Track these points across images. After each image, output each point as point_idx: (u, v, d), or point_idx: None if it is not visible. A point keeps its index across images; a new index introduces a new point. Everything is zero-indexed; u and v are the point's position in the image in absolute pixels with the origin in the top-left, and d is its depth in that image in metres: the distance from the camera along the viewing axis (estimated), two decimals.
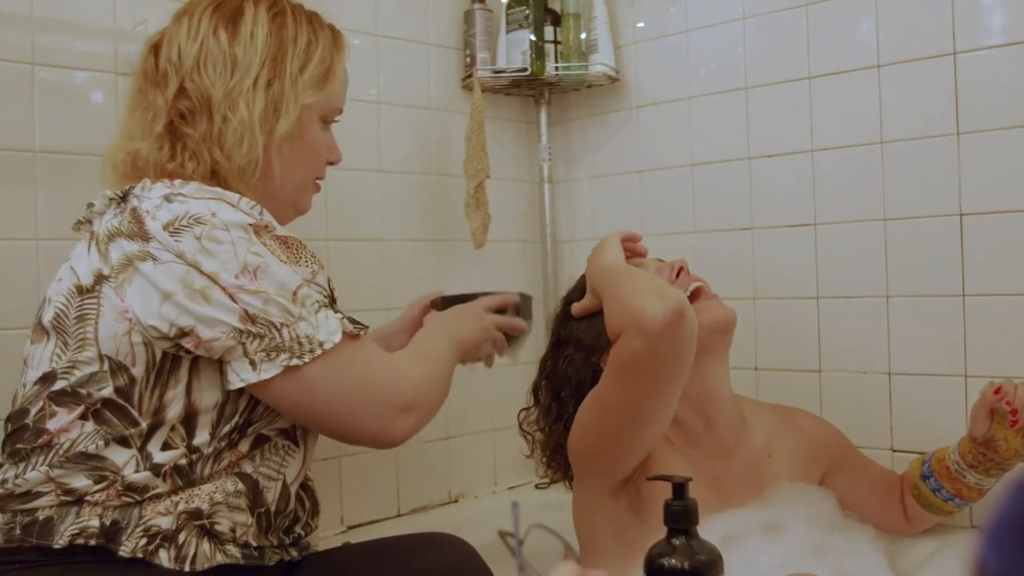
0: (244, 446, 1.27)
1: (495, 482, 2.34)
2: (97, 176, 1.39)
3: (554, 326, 1.75)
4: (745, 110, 2.12)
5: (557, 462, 1.71)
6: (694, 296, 1.61)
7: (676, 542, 1.14)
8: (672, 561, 1.13)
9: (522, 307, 1.72)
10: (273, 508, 1.30)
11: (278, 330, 1.19)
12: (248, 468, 1.28)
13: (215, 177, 1.32)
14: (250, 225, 1.22)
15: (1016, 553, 0.26)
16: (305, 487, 1.40)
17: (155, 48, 1.38)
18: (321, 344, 1.22)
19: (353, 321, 1.27)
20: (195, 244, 1.18)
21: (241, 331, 1.18)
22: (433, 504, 2.19)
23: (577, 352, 1.67)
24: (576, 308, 1.65)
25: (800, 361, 2.05)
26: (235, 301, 1.18)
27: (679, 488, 1.16)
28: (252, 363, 1.20)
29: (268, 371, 1.20)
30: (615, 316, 1.43)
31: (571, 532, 1.66)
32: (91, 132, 1.67)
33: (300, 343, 1.20)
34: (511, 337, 1.68)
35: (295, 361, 1.20)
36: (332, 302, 1.30)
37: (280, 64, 1.35)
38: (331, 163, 1.49)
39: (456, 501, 2.23)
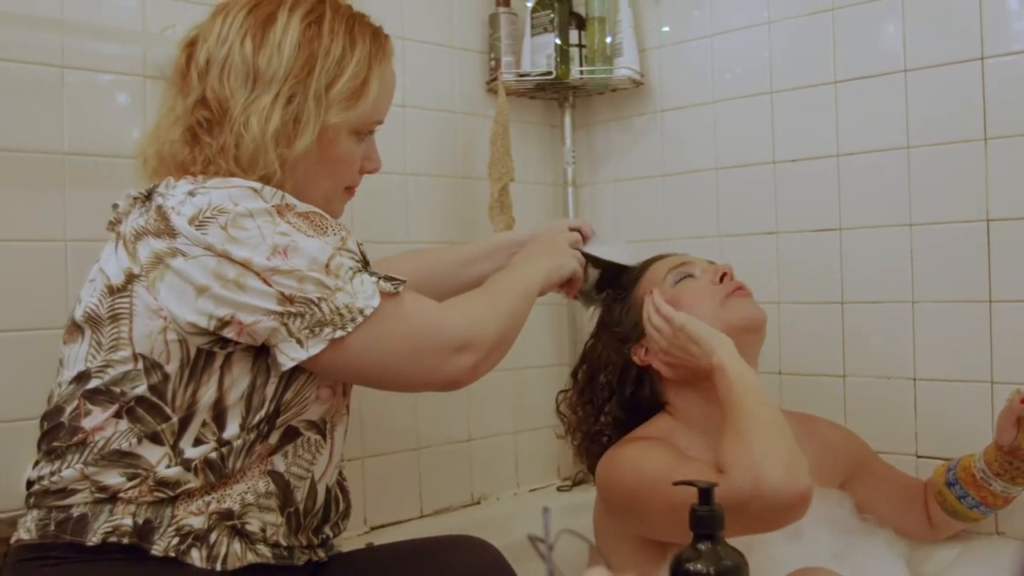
0: (274, 439, 1.28)
1: (517, 484, 2.34)
2: (124, 177, 1.40)
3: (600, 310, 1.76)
4: (770, 114, 2.12)
5: (585, 447, 1.72)
6: (734, 292, 1.62)
7: (702, 547, 1.14)
8: (698, 566, 1.12)
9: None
10: (302, 507, 1.31)
11: (317, 305, 1.20)
12: (280, 466, 1.28)
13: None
14: (273, 207, 1.22)
15: None
16: (341, 487, 1.41)
17: (189, 46, 1.37)
18: (361, 311, 1.22)
19: (389, 278, 1.26)
20: (222, 234, 1.18)
21: (281, 313, 1.19)
22: (456, 506, 2.20)
23: (612, 339, 1.68)
24: (653, 344, 1.62)
25: (825, 366, 2.04)
26: (270, 284, 1.18)
27: (705, 493, 1.16)
28: (299, 341, 1.20)
29: (315, 347, 1.20)
30: (734, 454, 1.38)
31: (590, 536, 1.67)
32: (119, 135, 1.68)
33: (341, 314, 1.21)
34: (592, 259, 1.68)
35: (339, 333, 1.21)
36: (366, 264, 1.29)
37: (305, 79, 1.30)
38: (368, 172, 1.46)
39: (479, 503, 2.24)
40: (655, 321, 1.59)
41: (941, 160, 1.87)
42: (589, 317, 1.82)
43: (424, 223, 2.17)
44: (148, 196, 1.28)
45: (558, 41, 2.23)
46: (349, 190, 1.45)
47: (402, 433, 2.10)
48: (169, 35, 1.72)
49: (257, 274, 1.18)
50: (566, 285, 1.63)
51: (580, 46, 2.28)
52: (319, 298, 1.20)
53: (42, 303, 1.60)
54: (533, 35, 2.26)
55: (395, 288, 1.26)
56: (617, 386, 1.68)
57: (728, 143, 2.20)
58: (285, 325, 1.20)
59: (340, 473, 1.41)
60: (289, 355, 1.21)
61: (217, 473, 1.24)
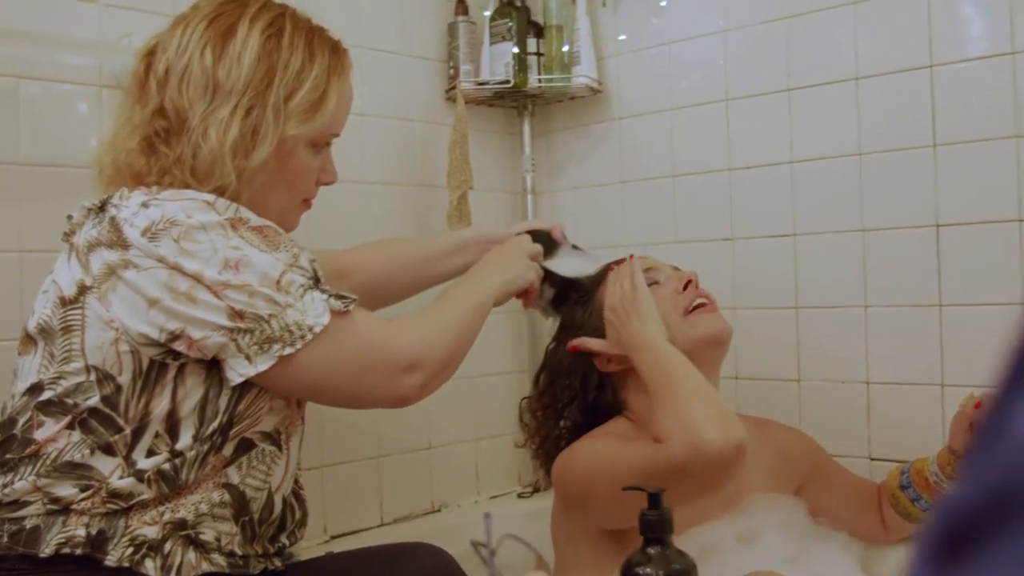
0: (228, 450, 1.28)
1: (478, 491, 2.35)
2: (81, 188, 1.40)
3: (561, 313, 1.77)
4: (726, 122, 2.14)
5: (544, 451, 1.73)
6: (696, 309, 1.63)
7: (651, 551, 1.16)
8: (647, 570, 1.15)
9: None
10: (257, 517, 1.32)
11: (267, 322, 1.20)
12: (235, 478, 1.29)
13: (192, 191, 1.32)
14: (226, 220, 1.22)
15: (943, 564, 0.28)
16: (297, 496, 1.42)
17: (148, 55, 1.36)
18: (311, 328, 1.22)
19: (340, 296, 1.27)
20: (174, 247, 1.19)
21: (230, 328, 1.19)
22: (416, 514, 2.21)
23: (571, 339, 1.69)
24: (583, 343, 1.65)
25: (780, 371, 2.07)
26: (220, 299, 1.19)
27: (654, 498, 1.18)
28: (247, 357, 1.21)
29: (264, 363, 1.21)
30: (668, 422, 1.41)
31: (550, 541, 1.68)
32: (76, 145, 1.68)
33: (290, 331, 1.21)
34: (550, 274, 1.67)
35: (288, 350, 1.21)
36: (317, 282, 1.29)
37: (264, 91, 1.31)
38: (324, 183, 1.46)
39: (439, 511, 2.24)
40: (624, 283, 1.61)
41: (892, 166, 1.90)
42: (550, 325, 1.83)
43: (383, 231, 2.17)
44: (102, 207, 1.28)
45: (516, 50, 2.25)
46: (306, 202, 1.46)
47: (362, 442, 2.11)
48: (126, 44, 1.72)
49: (208, 287, 1.19)
50: (523, 295, 1.63)
51: (538, 54, 2.30)
52: (269, 314, 1.20)
53: None
54: (492, 44, 2.28)
55: (345, 306, 1.27)
56: (579, 390, 1.69)
57: (685, 150, 2.22)
58: (234, 341, 1.20)
59: (296, 482, 1.41)
60: (238, 371, 1.22)
61: (171, 484, 1.24)
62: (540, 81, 2.29)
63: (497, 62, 2.27)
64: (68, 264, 1.27)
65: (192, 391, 1.24)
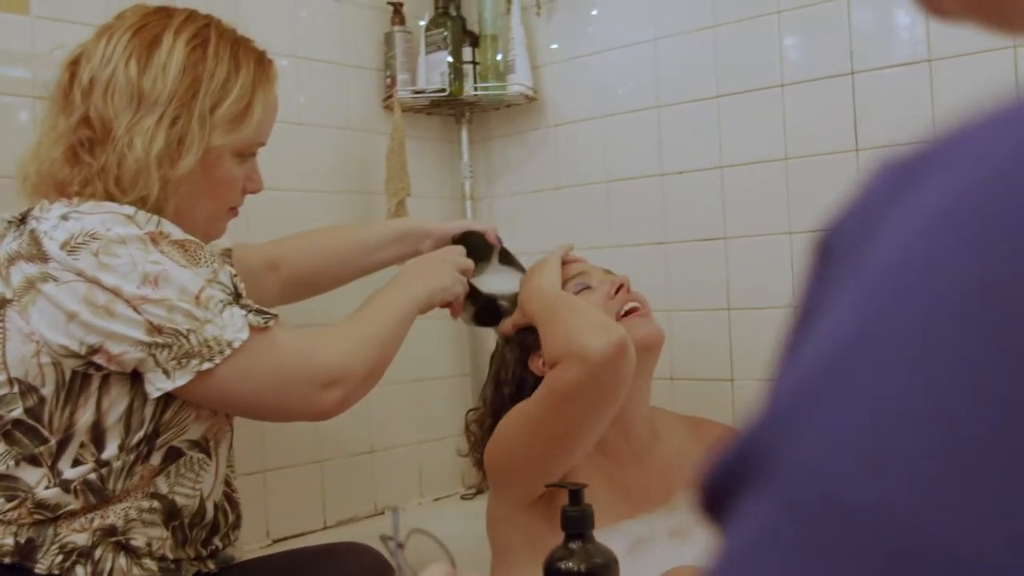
0: (156, 459, 1.30)
1: (421, 494, 2.38)
2: (11, 198, 1.41)
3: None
4: (657, 128, 2.19)
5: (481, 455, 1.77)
6: (628, 314, 1.67)
7: (573, 546, 1.19)
8: (569, 564, 1.18)
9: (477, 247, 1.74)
10: (188, 521, 1.33)
11: (185, 337, 1.22)
12: (163, 487, 1.30)
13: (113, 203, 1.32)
14: (146, 234, 1.24)
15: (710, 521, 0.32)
16: (229, 498, 1.43)
17: (73, 64, 1.37)
18: (230, 344, 1.24)
19: (260, 312, 1.29)
20: (93, 260, 1.20)
21: (149, 343, 1.21)
22: (360, 516, 2.23)
23: (513, 348, 1.72)
24: (506, 326, 1.70)
25: (713, 371, 2.11)
26: (139, 313, 1.20)
27: (575, 494, 1.22)
28: (165, 372, 1.23)
29: (182, 378, 1.23)
30: (555, 344, 1.49)
31: (472, 538, 1.71)
32: (10, 156, 1.68)
33: (209, 346, 1.23)
34: (474, 291, 1.69)
35: (206, 365, 1.23)
36: (237, 297, 1.30)
37: (190, 102, 1.32)
38: (250, 192, 1.48)
39: (382, 513, 2.27)
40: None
41: (817, 170, 1.95)
42: (493, 331, 1.86)
43: None
44: (23, 220, 1.29)
45: (451, 59, 2.28)
46: (232, 210, 1.47)
47: (304, 446, 2.13)
48: (58, 56, 1.72)
49: (127, 302, 1.20)
50: (448, 305, 1.64)
51: (474, 63, 2.33)
52: (188, 329, 1.22)
53: None
54: (428, 53, 2.31)
55: (265, 322, 1.28)
56: (516, 395, 1.73)
57: (618, 156, 2.27)
58: (152, 356, 1.22)
59: (229, 485, 1.43)
60: (156, 385, 1.23)
61: (97, 495, 1.25)
62: (476, 89, 2.32)
63: (433, 71, 2.30)
64: None
65: (117, 401, 1.26)
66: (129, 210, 1.26)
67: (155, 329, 1.21)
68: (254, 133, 1.41)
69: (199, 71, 1.34)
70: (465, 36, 2.33)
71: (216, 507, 1.39)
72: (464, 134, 2.47)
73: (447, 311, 1.65)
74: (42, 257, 1.22)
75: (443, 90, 2.28)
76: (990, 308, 0.25)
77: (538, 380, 1.70)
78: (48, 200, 1.30)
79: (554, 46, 2.37)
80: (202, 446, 1.35)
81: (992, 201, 0.26)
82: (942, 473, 0.24)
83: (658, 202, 2.19)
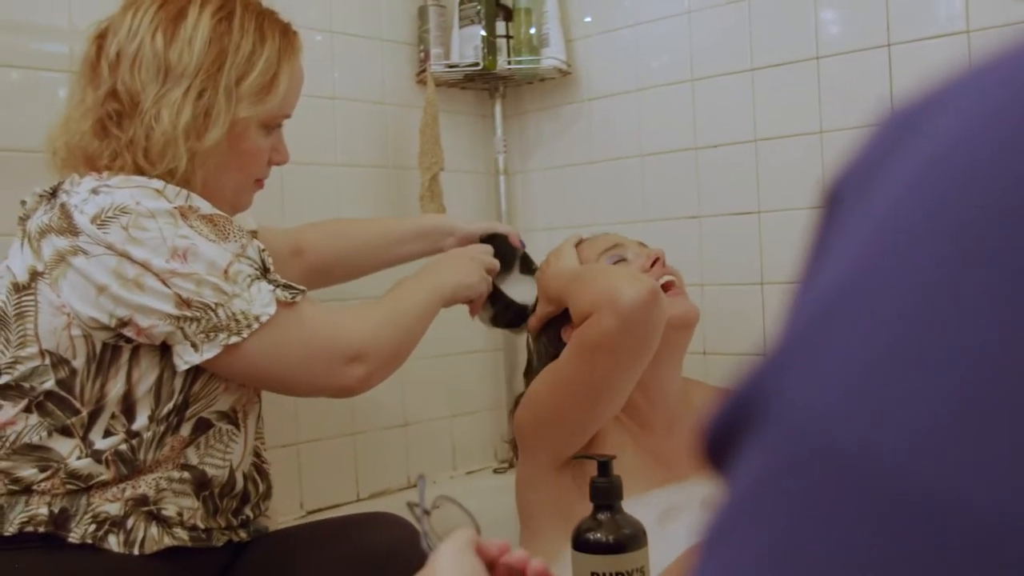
0: (185, 430, 1.31)
1: (454, 467, 2.40)
2: (44, 173, 1.43)
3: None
4: (692, 102, 2.18)
5: None
6: (663, 289, 1.67)
7: (601, 517, 1.20)
8: (597, 535, 1.19)
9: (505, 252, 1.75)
10: (218, 491, 1.35)
11: (213, 311, 1.23)
12: (193, 458, 1.32)
13: (141, 176, 1.33)
14: (175, 209, 1.25)
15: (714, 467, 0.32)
16: (259, 469, 1.45)
17: (100, 38, 1.38)
18: (257, 318, 1.25)
19: (288, 287, 1.30)
20: (123, 234, 1.22)
21: (177, 316, 1.22)
22: (392, 489, 2.25)
23: (545, 342, 1.73)
24: (533, 322, 1.71)
25: (746, 345, 2.11)
26: (168, 286, 1.21)
27: (603, 466, 1.22)
28: (194, 345, 1.24)
29: (209, 351, 1.24)
30: (586, 297, 1.50)
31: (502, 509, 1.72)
32: (44, 130, 1.71)
33: (237, 320, 1.24)
34: (497, 293, 1.69)
35: (234, 339, 1.24)
36: (265, 272, 1.31)
37: (216, 74, 1.33)
38: (276, 163, 1.48)
39: (415, 486, 2.27)
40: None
41: (853, 144, 1.93)
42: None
43: (355, 213, 2.20)
44: (53, 193, 1.31)
45: (484, 33, 2.28)
46: (258, 182, 1.48)
47: (337, 419, 2.15)
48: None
49: (156, 275, 1.21)
50: (469, 302, 1.65)
51: (507, 37, 2.33)
52: (216, 303, 1.23)
53: None
54: (461, 27, 2.30)
55: (292, 297, 1.30)
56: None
57: (652, 130, 2.26)
58: (181, 329, 1.23)
59: (259, 456, 1.45)
60: (184, 358, 1.25)
61: (128, 466, 1.27)
62: (510, 63, 2.32)
63: (467, 45, 2.30)
64: (21, 250, 1.30)
65: (147, 373, 1.27)
66: (158, 184, 1.28)
67: (184, 303, 1.22)
68: (280, 105, 1.41)
69: (225, 43, 1.35)
70: (499, 10, 2.32)
71: (246, 477, 1.40)
72: (498, 108, 2.47)
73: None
74: (72, 231, 1.24)
75: (477, 64, 2.28)
76: (984, 249, 0.25)
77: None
78: (78, 174, 1.32)
79: (588, 19, 2.36)
80: (231, 417, 1.36)
81: (985, 142, 0.26)
82: (934, 417, 0.24)
83: (692, 176, 2.18)
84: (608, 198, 2.35)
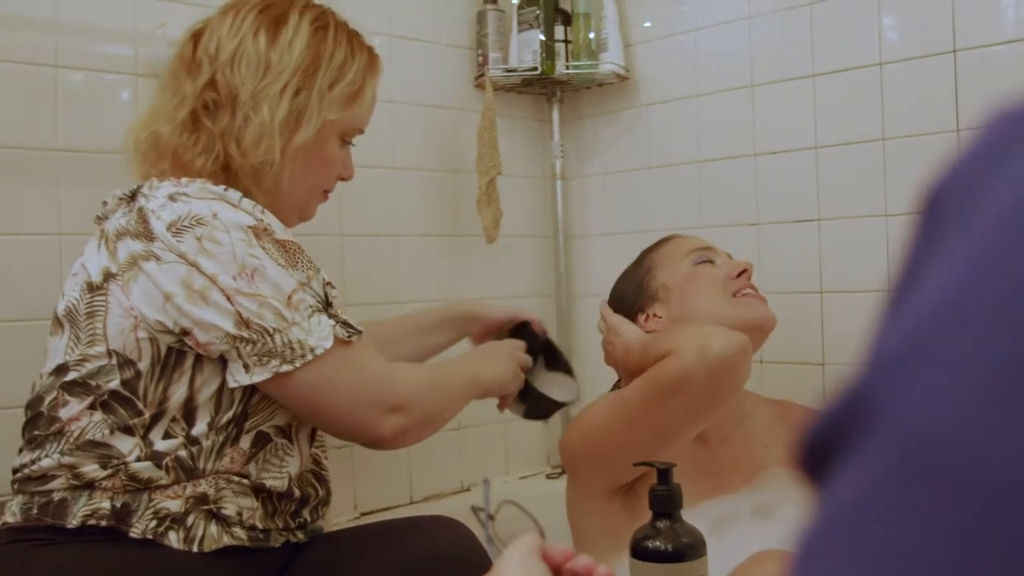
0: (245, 443, 1.32)
1: (507, 471, 2.39)
2: (115, 173, 1.45)
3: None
4: (751, 107, 2.16)
5: None
6: (745, 293, 1.67)
7: (660, 525, 1.19)
8: (656, 543, 1.17)
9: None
10: (276, 496, 1.36)
11: (271, 335, 1.24)
12: (252, 473, 1.32)
13: (226, 172, 1.37)
14: (250, 227, 1.27)
15: (812, 477, 0.32)
16: (319, 476, 1.45)
17: (196, 36, 1.43)
18: (312, 350, 1.26)
19: (347, 326, 1.31)
20: (196, 245, 1.23)
21: (235, 336, 1.23)
22: (445, 492, 2.25)
23: (618, 308, 1.74)
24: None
25: (804, 355, 2.09)
26: (232, 303, 1.23)
27: (663, 473, 1.21)
28: (246, 366, 1.25)
29: (259, 375, 1.25)
30: (671, 341, 1.48)
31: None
32: (112, 132, 1.73)
33: (292, 348, 1.25)
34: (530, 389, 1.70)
35: (285, 367, 1.25)
36: (328, 306, 1.33)
37: (311, 77, 1.39)
38: (343, 179, 1.53)
39: (468, 490, 2.28)
40: (601, 327, 1.72)
41: (915, 152, 1.91)
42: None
43: (412, 217, 2.22)
44: (132, 196, 1.33)
45: (543, 37, 2.28)
46: (325, 194, 1.52)
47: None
48: (160, 34, 1.77)
49: (222, 290, 1.23)
50: (501, 397, 1.67)
51: (566, 41, 2.33)
52: (274, 328, 1.24)
53: (36, 294, 1.65)
54: (519, 31, 2.31)
55: (349, 336, 1.31)
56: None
57: (710, 136, 2.24)
58: (236, 348, 1.24)
59: (318, 463, 1.45)
60: (235, 376, 1.27)
61: (188, 473, 1.28)
62: (568, 68, 2.32)
63: (525, 49, 2.30)
64: (97, 251, 1.32)
65: (209, 380, 1.29)
66: (234, 197, 1.30)
67: (243, 323, 1.23)
68: (361, 116, 1.48)
69: (320, 50, 1.41)
70: (557, 14, 2.32)
71: (305, 483, 1.41)
72: (555, 113, 2.46)
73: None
74: (148, 236, 1.26)
75: (535, 69, 2.28)
76: None
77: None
78: (157, 177, 1.34)
79: (647, 24, 2.35)
80: (286, 432, 1.37)
81: None
82: None
83: (751, 183, 2.17)
84: (665, 204, 2.33)
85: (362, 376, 1.32)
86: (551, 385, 1.76)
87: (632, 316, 1.71)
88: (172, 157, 1.37)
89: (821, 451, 0.30)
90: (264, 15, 1.41)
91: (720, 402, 1.47)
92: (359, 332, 1.33)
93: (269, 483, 1.34)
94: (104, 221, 1.36)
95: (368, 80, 1.47)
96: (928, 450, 0.25)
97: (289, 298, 1.26)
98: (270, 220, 1.31)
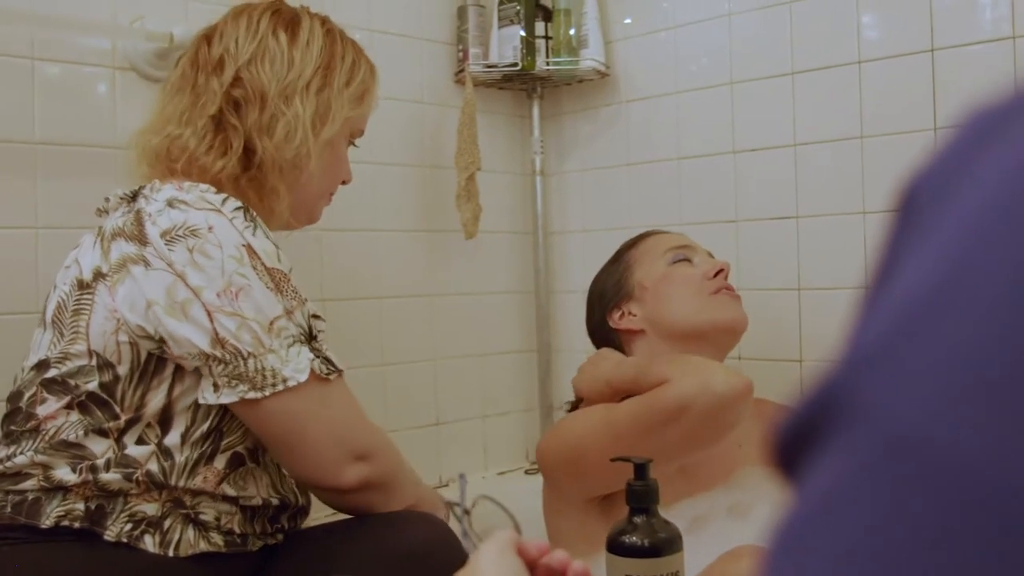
0: (220, 463, 1.30)
1: (486, 467, 2.39)
2: (95, 166, 1.44)
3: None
4: (731, 105, 2.16)
5: None
6: (721, 291, 1.67)
7: (637, 520, 1.19)
8: (633, 538, 1.18)
9: None
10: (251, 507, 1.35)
11: (244, 359, 1.22)
12: (231, 492, 1.31)
13: (247, 172, 1.37)
14: (244, 246, 1.25)
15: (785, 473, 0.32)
16: (300, 487, 1.44)
17: (207, 39, 1.44)
18: (284, 380, 1.24)
19: (328, 362, 1.29)
20: (186, 256, 1.22)
21: (207, 355, 1.22)
22: None
23: (596, 302, 1.76)
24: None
25: (782, 351, 2.09)
26: (211, 321, 1.21)
27: (640, 469, 1.21)
28: (215, 385, 1.24)
29: (227, 397, 1.23)
30: (673, 368, 1.47)
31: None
32: (90, 125, 1.73)
33: (264, 375, 1.23)
34: None
35: (252, 394, 1.23)
36: (311, 339, 1.31)
37: (330, 74, 1.43)
38: (345, 181, 1.56)
39: (447, 485, 2.28)
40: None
41: (893, 149, 1.92)
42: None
43: (391, 212, 2.22)
44: (134, 197, 1.33)
45: (523, 33, 2.27)
46: (330, 196, 1.54)
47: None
48: (138, 27, 1.76)
49: (203, 305, 1.21)
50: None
51: (546, 37, 2.32)
52: (249, 353, 1.22)
53: (11, 288, 1.64)
54: (500, 27, 2.30)
55: (327, 373, 1.28)
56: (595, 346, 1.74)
57: (690, 133, 2.25)
58: (208, 367, 1.23)
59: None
60: (203, 394, 1.25)
61: (159, 489, 1.26)
62: (548, 64, 2.32)
63: (505, 45, 2.29)
64: (92, 248, 1.31)
65: (189, 390, 1.27)
66: (229, 209, 1.28)
67: (218, 342, 1.21)
68: (366, 115, 1.54)
69: (334, 51, 1.46)
70: (538, 10, 2.32)
71: (287, 491, 1.39)
72: (535, 109, 2.46)
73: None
74: (141, 240, 1.25)
75: (515, 64, 2.28)
76: None
77: (611, 332, 1.70)
78: (161, 179, 1.34)
79: (627, 21, 2.36)
80: (254, 454, 1.35)
81: None
82: None
83: (730, 180, 2.17)
84: (644, 201, 2.34)
85: (333, 416, 1.29)
86: None
87: (607, 312, 1.71)
88: (188, 160, 1.36)
89: (795, 445, 0.30)
90: (278, 17, 1.44)
91: (714, 439, 1.47)
92: (339, 371, 1.30)
93: (246, 501, 1.33)
94: (104, 216, 1.35)
95: (372, 81, 1.52)
96: (904, 444, 0.25)
97: (271, 324, 1.24)
98: (261, 244, 1.28)
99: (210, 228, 1.24)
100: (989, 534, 0.23)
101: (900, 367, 0.26)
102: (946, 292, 0.26)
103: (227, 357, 1.22)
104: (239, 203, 1.30)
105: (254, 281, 1.24)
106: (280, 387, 1.23)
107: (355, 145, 1.56)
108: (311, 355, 1.27)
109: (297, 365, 1.25)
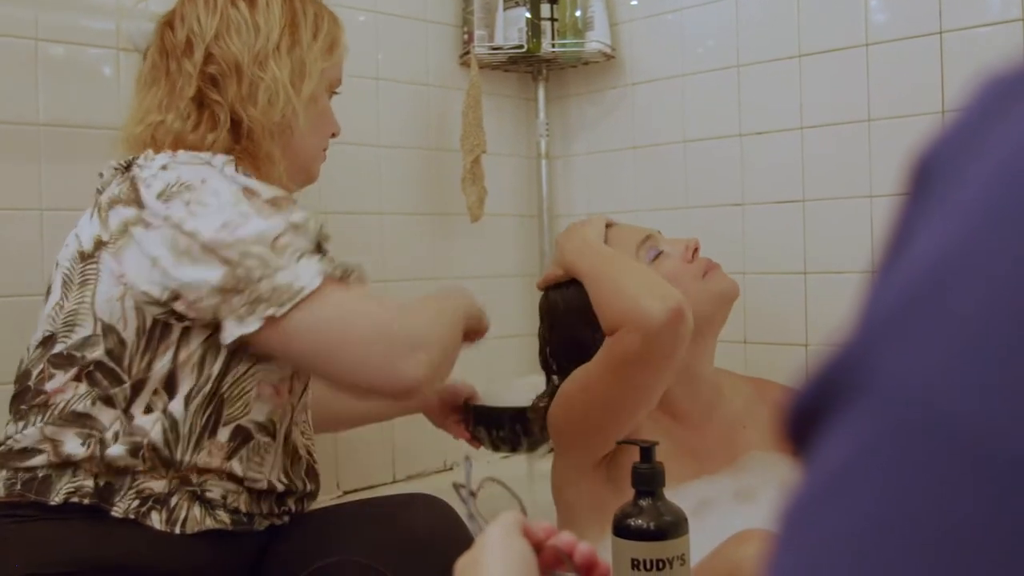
0: (223, 436, 1.30)
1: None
2: (98, 147, 1.44)
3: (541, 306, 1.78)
4: (737, 88, 2.15)
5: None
6: (707, 270, 1.67)
7: (643, 503, 1.19)
8: (639, 521, 1.17)
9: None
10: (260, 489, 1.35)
11: (257, 282, 1.20)
12: (238, 470, 1.31)
13: (238, 143, 1.37)
14: (240, 189, 1.26)
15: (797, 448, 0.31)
16: (310, 470, 1.44)
17: (169, 24, 1.42)
18: (300, 291, 1.21)
19: (341, 265, 1.27)
20: (184, 209, 1.22)
21: (221, 288, 1.20)
22: (428, 471, 2.24)
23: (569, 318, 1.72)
24: (541, 282, 1.71)
25: (787, 335, 2.09)
26: (215, 257, 1.20)
27: (646, 451, 1.21)
28: (239, 318, 1.22)
29: (251, 324, 1.21)
30: (612, 311, 1.48)
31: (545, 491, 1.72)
32: (94, 106, 1.72)
33: (279, 292, 1.21)
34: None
35: (273, 311, 1.20)
36: (319, 248, 1.28)
37: (296, 31, 1.42)
38: (333, 135, 1.54)
39: (451, 468, 2.28)
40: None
41: (901, 132, 1.91)
42: None
43: (396, 195, 2.21)
44: (128, 167, 1.33)
45: (529, 15, 2.26)
46: (324, 152, 1.53)
47: None
48: (142, 8, 1.75)
49: (203, 245, 1.21)
50: (474, 336, 1.54)
51: (552, 19, 2.31)
52: (260, 275, 1.20)
53: (16, 270, 1.64)
54: (506, 9, 2.29)
55: (342, 274, 1.26)
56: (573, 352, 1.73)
57: (696, 116, 2.24)
58: (227, 302, 1.21)
59: (310, 454, 1.44)
60: (229, 331, 1.23)
61: (165, 464, 1.26)
62: (554, 46, 2.30)
63: (511, 27, 2.28)
64: (90, 220, 1.32)
65: (194, 355, 1.27)
66: (218, 161, 1.29)
67: (229, 274, 1.20)
68: (339, 64, 1.52)
69: (295, 8, 1.44)
70: None
71: (295, 476, 1.39)
72: (541, 91, 2.45)
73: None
74: (138, 203, 1.25)
75: (521, 47, 2.27)
76: None
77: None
78: (153, 150, 1.34)
79: (634, 3, 2.34)
80: (268, 429, 1.34)
81: None
82: None
83: (736, 163, 2.16)
84: (650, 184, 2.33)
85: (361, 315, 1.25)
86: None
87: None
88: (175, 141, 1.35)
89: (807, 420, 0.29)
90: None
91: (672, 363, 1.48)
92: (355, 272, 1.27)
93: (252, 483, 1.33)
94: (101, 192, 1.35)
95: (339, 29, 1.51)
96: (920, 414, 0.25)
97: (275, 242, 1.22)
98: (257, 185, 1.28)
99: (203, 181, 1.25)
100: (1005, 503, 0.23)
101: (913, 338, 0.26)
102: (958, 262, 0.26)
103: (240, 286, 1.20)
104: (230, 156, 1.32)
105: (252, 212, 1.23)
106: (297, 299, 1.21)
107: (337, 93, 1.54)
108: (319, 260, 1.25)
109: (308, 273, 1.22)
